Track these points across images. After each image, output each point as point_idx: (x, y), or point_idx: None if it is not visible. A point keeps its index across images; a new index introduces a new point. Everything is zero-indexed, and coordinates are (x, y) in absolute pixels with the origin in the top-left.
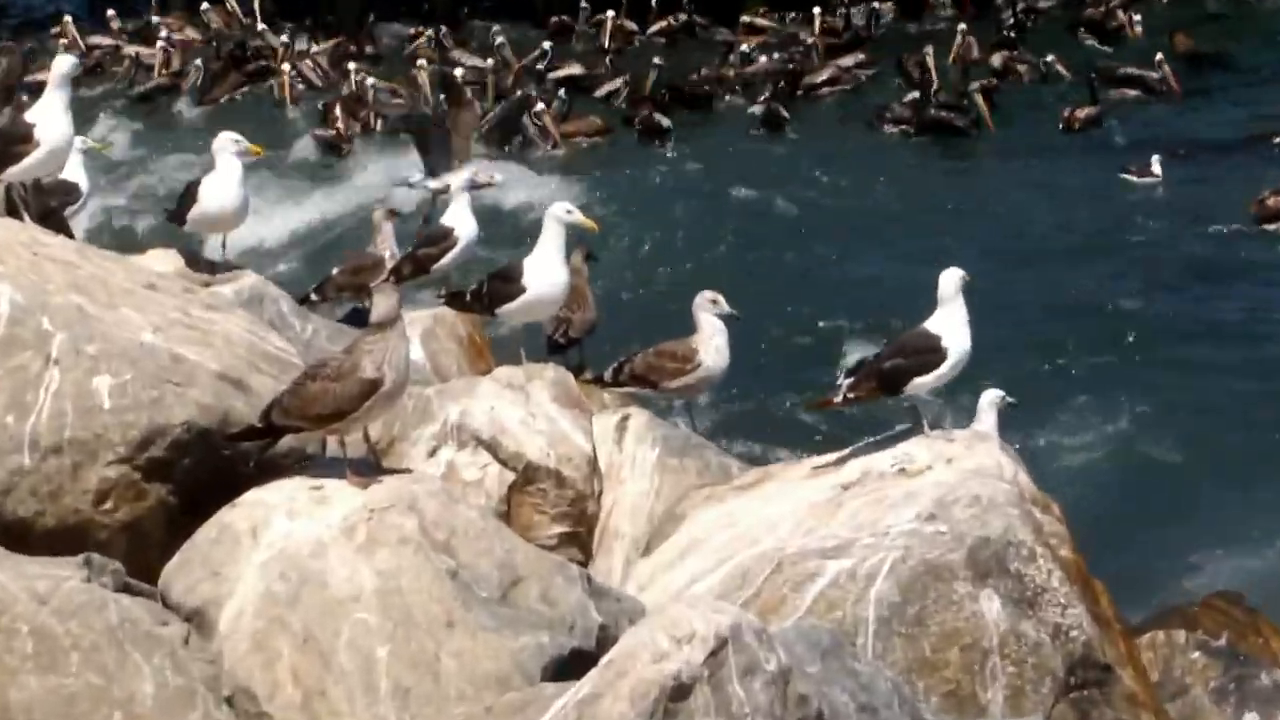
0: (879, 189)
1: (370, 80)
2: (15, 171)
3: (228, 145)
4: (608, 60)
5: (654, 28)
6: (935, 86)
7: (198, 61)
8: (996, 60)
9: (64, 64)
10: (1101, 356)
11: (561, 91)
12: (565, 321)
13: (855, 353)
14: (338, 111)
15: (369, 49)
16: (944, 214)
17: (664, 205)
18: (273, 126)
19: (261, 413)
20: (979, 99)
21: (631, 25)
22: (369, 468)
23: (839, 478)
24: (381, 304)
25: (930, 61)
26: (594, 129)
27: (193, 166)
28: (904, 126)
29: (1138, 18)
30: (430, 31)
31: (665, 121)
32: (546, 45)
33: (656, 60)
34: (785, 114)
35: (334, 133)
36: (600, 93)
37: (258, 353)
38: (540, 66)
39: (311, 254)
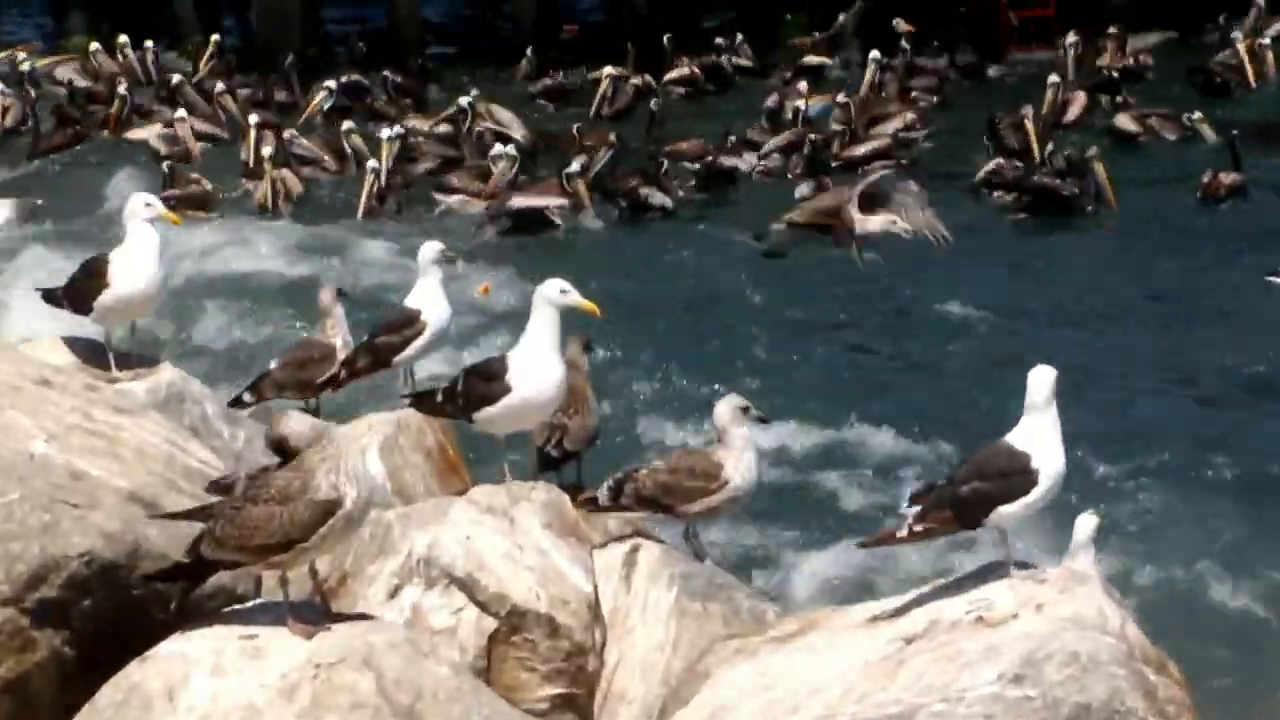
0: (947, 269)
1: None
2: None
3: (141, 211)
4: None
5: (671, 75)
6: (1042, 152)
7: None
8: (1127, 121)
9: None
10: (1227, 480)
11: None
12: (560, 429)
13: (920, 472)
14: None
15: (283, 96)
16: (1033, 302)
17: (677, 289)
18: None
19: (190, 544)
20: (1098, 168)
21: (637, 80)
22: (314, 612)
23: (900, 628)
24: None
25: (1031, 126)
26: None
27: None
28: (1000, 195)
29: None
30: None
31: (659, 198)
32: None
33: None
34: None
35: (261, 194)
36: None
37: (177, 467)
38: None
39: (244, 343)
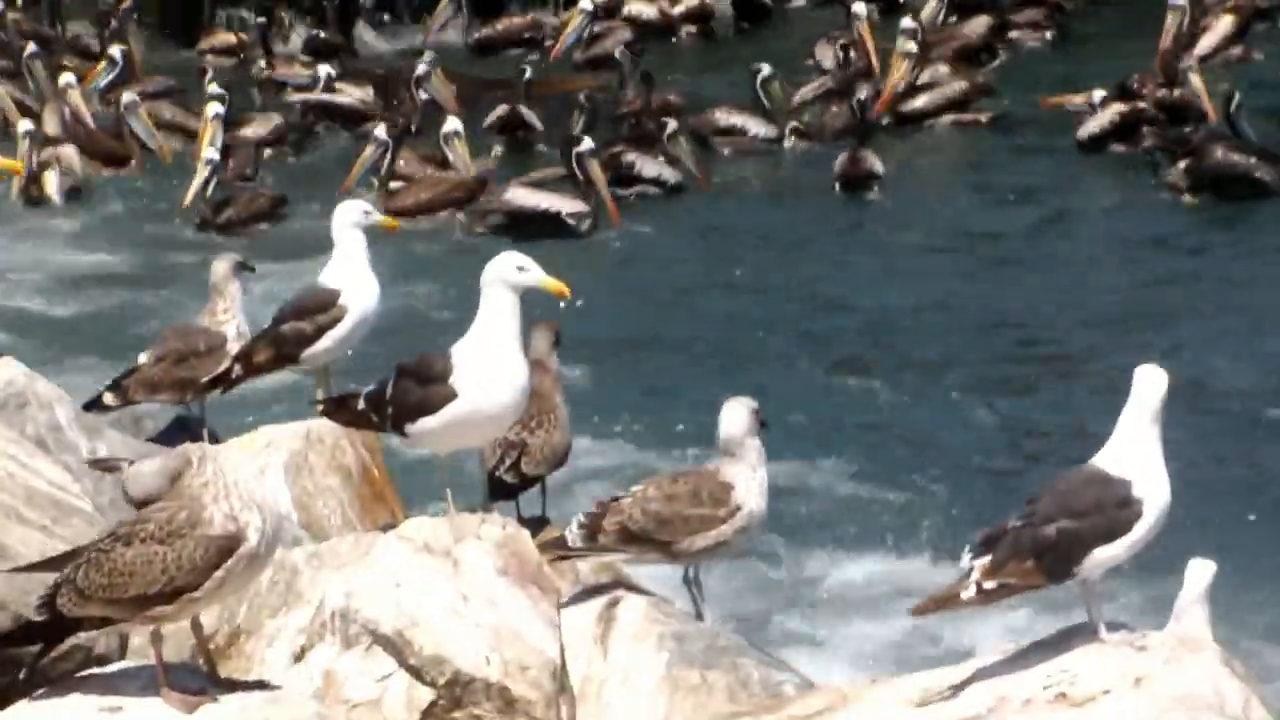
0: (1008, 261)
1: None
2: None
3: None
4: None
5: (681, 8)
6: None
7: None
8: None
9: None
10: None
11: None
12: (518, 447)
13: (979, 505)
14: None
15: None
16: (1116, 296)
17: (670, 276)
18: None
19: (43, 596)
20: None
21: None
22: (196, 678)
23: (959, 709)
24: None
25: (1198, 79)
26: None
27: None
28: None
29: None
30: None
31: (655, 170)
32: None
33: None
34: (875, 167)
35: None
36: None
37: (18, 490)
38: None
39: (107, 330)
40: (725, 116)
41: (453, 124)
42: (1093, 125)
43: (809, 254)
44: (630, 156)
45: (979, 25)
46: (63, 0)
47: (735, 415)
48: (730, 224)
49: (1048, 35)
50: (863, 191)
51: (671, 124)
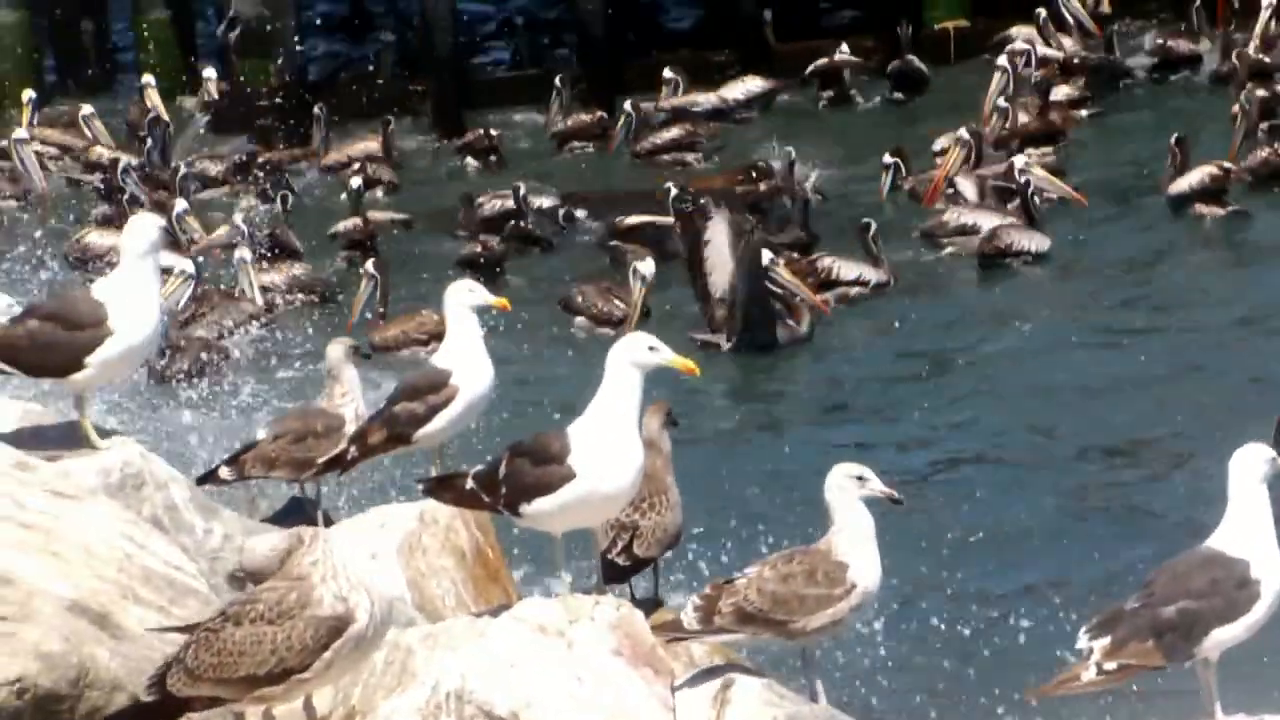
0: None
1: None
2: None
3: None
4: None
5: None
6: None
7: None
8: None
9: None
10: None
11: None
12: (630, 530)
13: (1095, 585)
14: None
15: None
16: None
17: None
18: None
19: (154, 676)
20: None
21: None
22: None
23: None
24: None
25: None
26: None
27: None
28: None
29: None
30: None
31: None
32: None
33: None
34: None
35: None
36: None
37: (135, 570)
38: None
39: (225, 417)
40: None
41: (648, 266)
42: (1182, 184)
43: (948, 331)
44: (827, 260)
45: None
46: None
47: (839, 483)
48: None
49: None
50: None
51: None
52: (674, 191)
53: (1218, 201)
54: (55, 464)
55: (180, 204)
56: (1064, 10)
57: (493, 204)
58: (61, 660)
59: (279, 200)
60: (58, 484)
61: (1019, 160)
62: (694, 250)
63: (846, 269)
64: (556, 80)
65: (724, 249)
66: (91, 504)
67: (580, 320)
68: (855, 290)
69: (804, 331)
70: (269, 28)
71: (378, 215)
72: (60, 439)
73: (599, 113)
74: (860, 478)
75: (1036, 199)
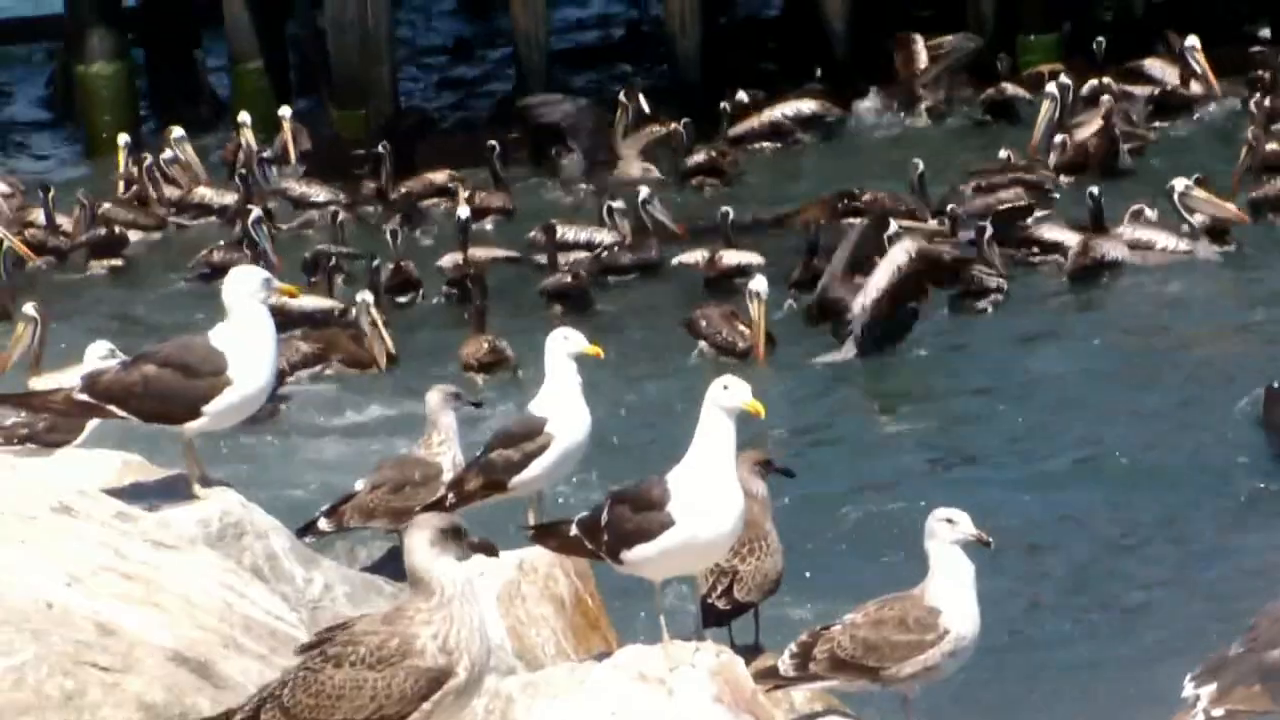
0: None
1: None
2: None
3: (564, 346)
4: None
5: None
6: None
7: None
8: None
9: None
10: None
11: None
12: (730, 575)
13: (1196, 627)
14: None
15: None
16: None
17: (882, 384)
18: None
19: (246, 712)
20: None
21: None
22: None
23: None
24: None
25: None
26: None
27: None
28: None
29: None
30: None
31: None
32: None
33: None
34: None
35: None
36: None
37: (236, 620)
38: None
39: (325, 460)
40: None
41: (760, 283)
42: None
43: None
44: (975, 270)
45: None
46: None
47: (932, 529)
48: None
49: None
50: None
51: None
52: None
53: None
54: (155, 514)
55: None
56: (1191, 61)
57: (574, 233)
58: (164, 710)
59: (389, 236)
60: (158, 534)
61: (1178, 183)
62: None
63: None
64: (620, 95)
65: (895, 268)
66: (192, 554)
67: (703, 346)
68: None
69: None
70: (364, 76)
71: (480, 254)
72: (160, 489)
73: (724, 149)
74: (951, 520)
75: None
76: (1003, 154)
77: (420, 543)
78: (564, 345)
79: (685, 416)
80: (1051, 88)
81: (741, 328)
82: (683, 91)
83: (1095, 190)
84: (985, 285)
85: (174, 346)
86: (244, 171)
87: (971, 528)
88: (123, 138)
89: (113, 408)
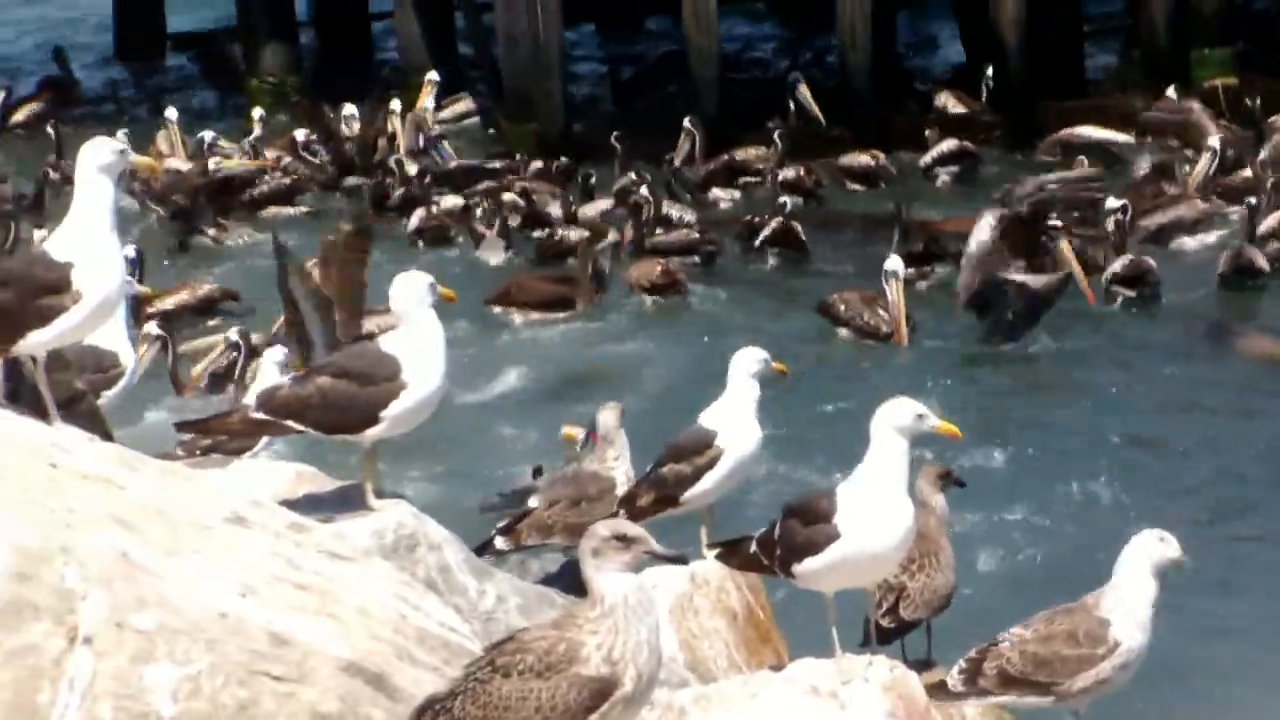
0: None
1: None
2: (37, 340)
3: (419, 291)
4: None
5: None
6: None
7: None
8: None
9: (106, 152)
10: None
11: None
12: (897, 591)
13: None
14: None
15: None
16: None
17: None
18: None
19: None
20: None
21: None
22: None
23: None
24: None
25: None
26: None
27: None
28: None
29: None
30: None
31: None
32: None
33: None
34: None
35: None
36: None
37: (410, 631)
38: None
39: (499, 472)
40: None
41: (895, 263)
42: None
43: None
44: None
45: None
46: None
47: (1137, 550)
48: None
49: None
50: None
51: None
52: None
53: None
54: (329, 525)
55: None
56: None
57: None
58: None
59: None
60: (332, 545)
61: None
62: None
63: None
64: (686, 121)
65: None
66: (366, 565)
67: (843, 332)
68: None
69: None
70: (534, 89)
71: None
72: (334, 500)
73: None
74: (1162, 539)
75: None
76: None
77: (584, 552)
78: (751, 364)
79: (843, 412)
80: (1214, 141)
81: (882, 310)
82: (852, 102)
83: (1253, 200)
84: (1142, 270)
85: (345, 356)
86: (418, 147)
87: (1178, 551)
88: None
89: (291, 423)
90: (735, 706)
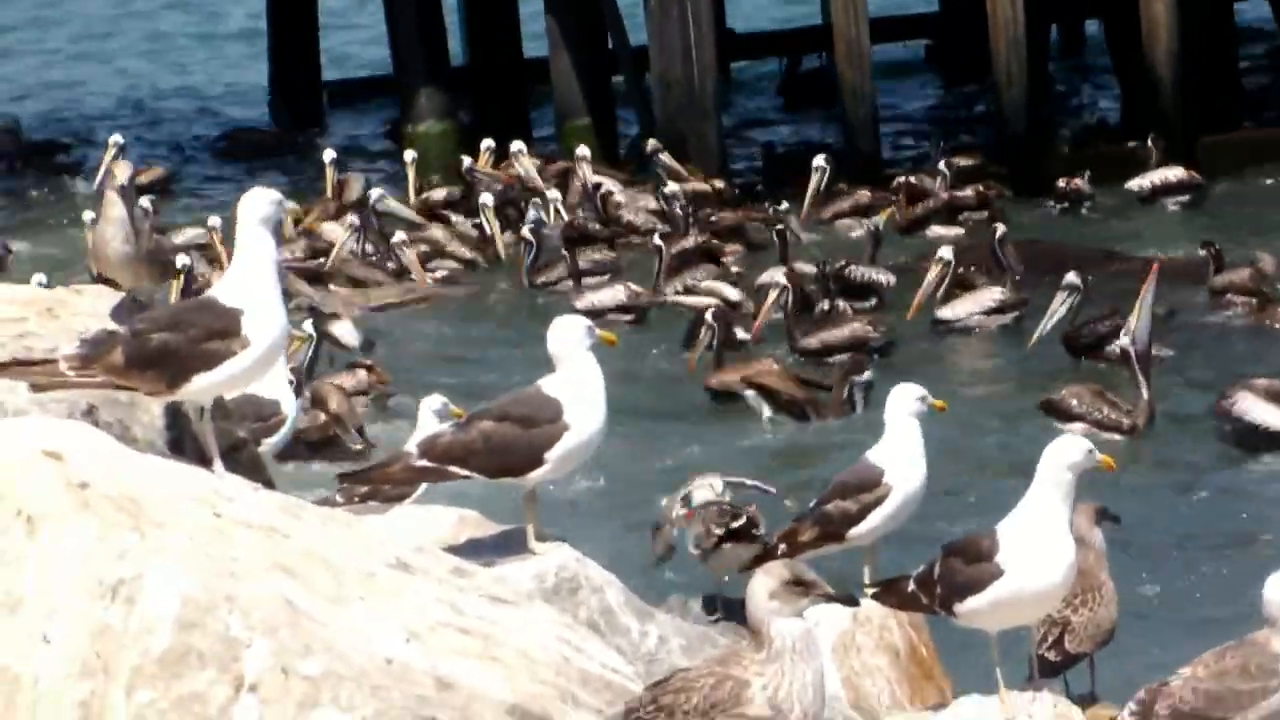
0: None
1: None
2: (204, 384)
3: (578, 332)
4: None
5: None
6: None
7: None
8: None
9: (264, 203)
10: None
11: None
12: (1061, 625)
13: None
14: None
15: None
16: None
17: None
18: None
19: None
20: None
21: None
22: None
23: None
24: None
25: None
26: None
27: None
28: None
29: None
30: None
31: None
32: None
33: None
34: None
35: None
36: None
37: (573, 673)
38: None
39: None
40: None
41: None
42: None
43: None
44: None
45: None
46: None
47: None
48: None
49: None
50: None
51: None
52: None
53: None
54: (491, 569)
55: None
56: None
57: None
58: None
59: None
60: (494, 589)
61: None
62: None
63: None
64: (819, 159)
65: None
66: (528, 609)
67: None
68: None
69: None
70: (690, 133)
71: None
72: (495, 544)
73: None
74: None
75: None
76: None
77: (760, 593)
78: (910, 402)
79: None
80: None
81: (1115, 399)
82: (1008, 144)
83: None
84: None
85: (507, 400)
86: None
87: None
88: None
89: (454, 469)
90: None
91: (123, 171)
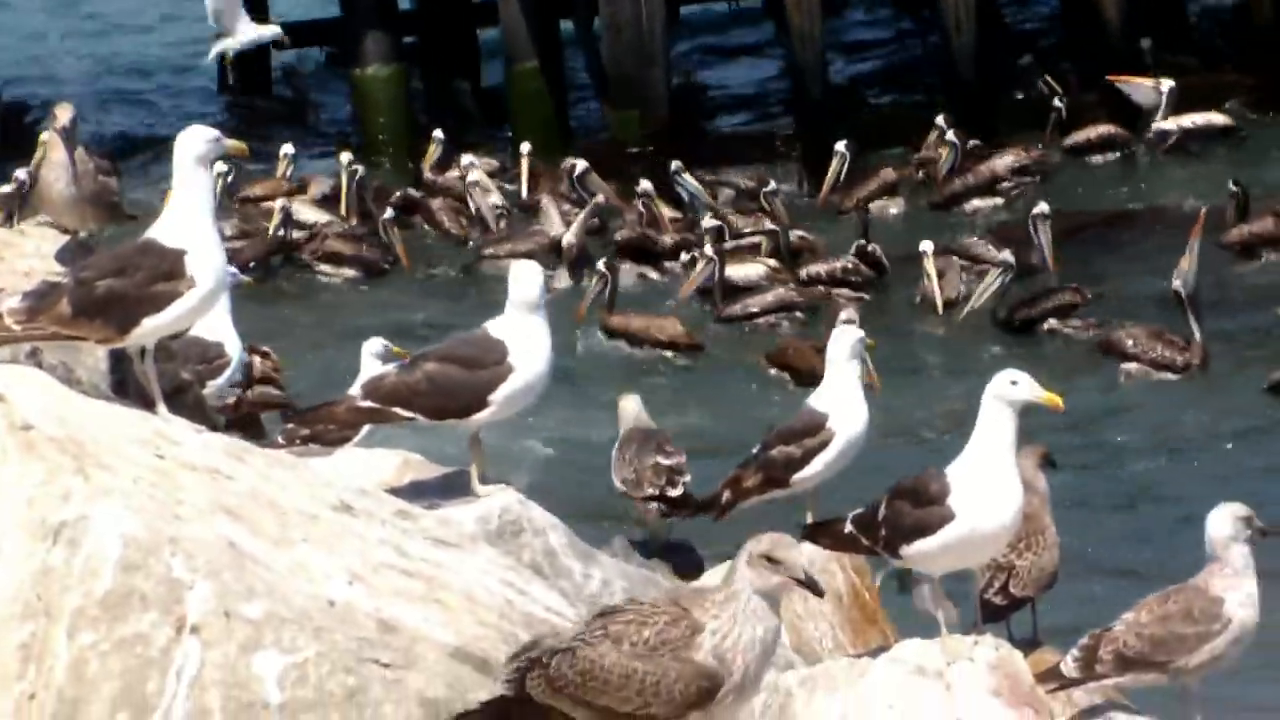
0: None
1: None
2: (152, 326)
3: (534, 284)
4: None
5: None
6: None
7: None
8: None
9: (200, 141)
10: None
11: None
12: (1007, 570)
13: None
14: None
15: None
16: None
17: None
18: None
19: (512, 669)
20: None
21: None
22: None
23: None
24: None
25: None
26: None
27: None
28: None
29: None
30: None
31: None
32: None
33: None
34: None
35: None
36: None
37: (516, 616)
38: None
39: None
40: None
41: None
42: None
43: None
44: None
45: None
46: None
47: (1221, 522)
48: None
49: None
50: None
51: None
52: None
53: None
54: (435, 511)
55: None
56: None
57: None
58: (445, 707)
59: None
60: (438, 531)
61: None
62: None
63: None
64: (840, 146)
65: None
66: (471, 551)
67: (1131, 368)
68: None
69: None
70: (638, 77)
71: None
72: (439, 486)
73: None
74: (1248, 519)
75: None
76: None
77: (741, 557)
78: (850, 344)
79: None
80: None
81: (1172, 338)
82: (957, 91)
83: None
84: None
85: (453, 342)
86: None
87: (1260, 523)
88: (437, 133)
89: (398, 410)
90: (840, 688)
91: (64, 113)
